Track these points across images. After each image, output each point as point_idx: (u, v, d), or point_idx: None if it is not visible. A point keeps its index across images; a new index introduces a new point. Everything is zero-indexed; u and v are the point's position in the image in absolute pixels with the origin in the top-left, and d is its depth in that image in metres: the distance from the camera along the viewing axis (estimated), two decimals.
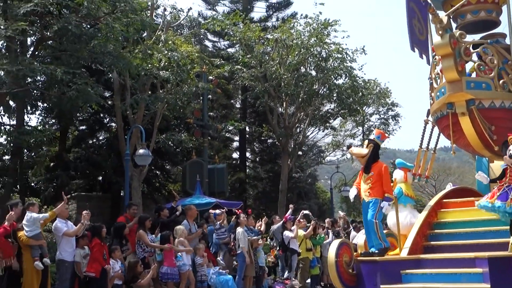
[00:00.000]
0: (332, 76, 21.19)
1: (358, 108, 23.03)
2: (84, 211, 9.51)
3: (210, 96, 22.35)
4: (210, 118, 22.86)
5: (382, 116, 28.28)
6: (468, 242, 7.59)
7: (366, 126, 28.49)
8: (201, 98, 20.67)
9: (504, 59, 7.92)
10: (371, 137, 8.72)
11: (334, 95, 21.62)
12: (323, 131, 25.56)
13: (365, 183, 7.94)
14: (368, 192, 7.83)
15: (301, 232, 13.26)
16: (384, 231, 8.11)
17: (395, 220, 8.21)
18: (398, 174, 8.67)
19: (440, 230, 8.23)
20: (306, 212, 15.51)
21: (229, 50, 26.24)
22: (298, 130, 23.11)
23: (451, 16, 8.86)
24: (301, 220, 13.69)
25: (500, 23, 8.85)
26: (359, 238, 9.20)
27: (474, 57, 7.96)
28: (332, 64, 21.02)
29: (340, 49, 21.03)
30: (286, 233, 12.82)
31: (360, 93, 21.77)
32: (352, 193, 8.19)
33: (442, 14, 7.66)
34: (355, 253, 8.14)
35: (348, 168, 36.09)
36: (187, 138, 20.18)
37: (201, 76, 19.45)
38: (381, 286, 7.32)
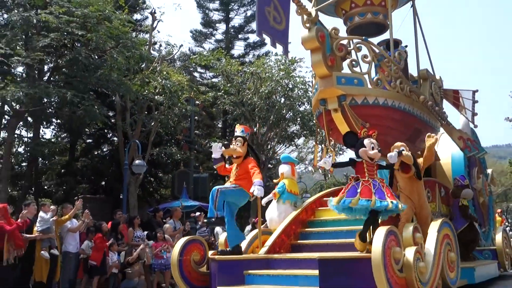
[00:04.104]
0: (297, 104, 21.56)
1: (318, 130, 23.17)
2: (85, 210, 10.03)
3: (196, 117, 22.67)
4: (196, 136, 23.06)
5: None
6: (333, 241, 6.59)
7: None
8: (189, 119, 20.96)
9: (380, 57, 6.91)
10: (241, 134, 7.03)
11: (298, 119, 22.00)
12: (289, 148, 25.27)
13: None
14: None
15: None
16: (263, 228, 7.15)
17: (271, 216, 7.41)
18: (285, 168, 7.66)
19: (311, 228, 7.23)
20: None
21: (213, 80, 26.73)
22: (268, 147, 22.93)
23: (344, 20, 8.28)
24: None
25: (388, 27, 7.84)
26: (221, 235, 7.65)
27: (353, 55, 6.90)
28: (297, 93, 21.38)
29: (304, 81, 21.38)
30: None
31: None
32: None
33: (309, 7, 6.57)
34: (212, 252, 6.85)
35: (310, 178, 37.78)
36: (176, 151, 20.79)
37: (190, 101, 19.82)
38: (217, 287, 6.11)
